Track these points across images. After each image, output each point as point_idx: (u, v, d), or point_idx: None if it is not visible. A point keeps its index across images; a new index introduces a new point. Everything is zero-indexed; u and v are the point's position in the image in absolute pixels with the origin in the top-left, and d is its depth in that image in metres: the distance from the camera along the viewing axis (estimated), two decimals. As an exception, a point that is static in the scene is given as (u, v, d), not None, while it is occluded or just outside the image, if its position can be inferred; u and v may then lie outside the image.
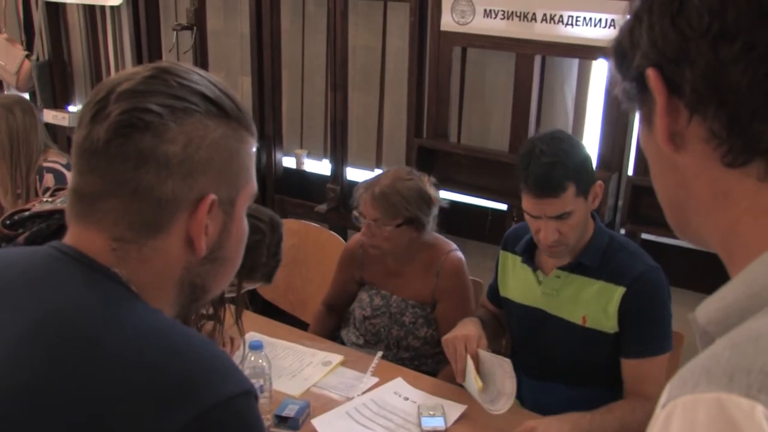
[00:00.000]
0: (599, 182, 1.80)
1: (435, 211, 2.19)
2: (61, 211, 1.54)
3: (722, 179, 0.56)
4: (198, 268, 0.82)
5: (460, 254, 2.26)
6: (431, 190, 2.18)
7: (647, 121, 0.60)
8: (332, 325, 2.46)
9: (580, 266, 1.85)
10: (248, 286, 1.94)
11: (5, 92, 4.52)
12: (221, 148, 0.80)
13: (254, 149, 0.87)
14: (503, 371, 1.71)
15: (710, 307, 0.56)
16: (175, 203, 0.77)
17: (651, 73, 0.56)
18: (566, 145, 1.75)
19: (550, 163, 1.70)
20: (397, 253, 2.19)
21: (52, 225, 2.07)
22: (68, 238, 0.80)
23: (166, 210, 0.76)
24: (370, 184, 2.16)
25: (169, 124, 0.76)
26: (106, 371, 0.68)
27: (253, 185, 0.86)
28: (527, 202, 1.77)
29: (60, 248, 0.78)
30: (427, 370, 2.23)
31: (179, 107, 0.77)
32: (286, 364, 2.05)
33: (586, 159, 1.78)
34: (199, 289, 0.83)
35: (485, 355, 1.80)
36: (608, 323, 1.82)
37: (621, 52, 0.60)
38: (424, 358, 2.28)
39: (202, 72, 0.83)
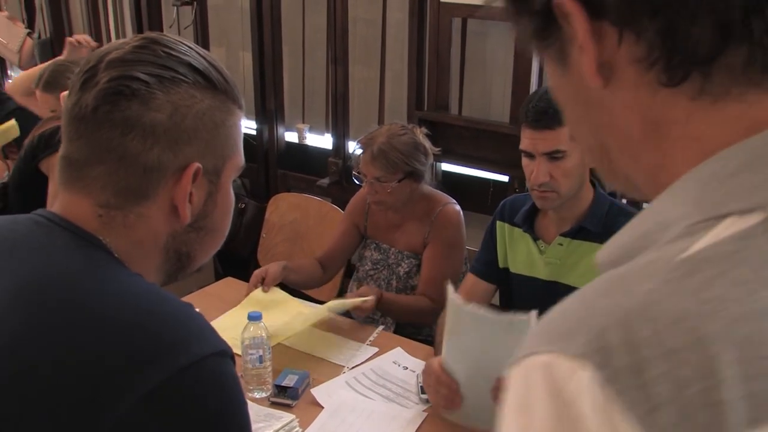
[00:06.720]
0: None
1: (431, 160, 2.24)
2: None
3: (654, 105, 0.50)
4: (183, 236, 0.83)
5: (458, 208, 2.29)
6: (425, 141, 2.23)
7: (560, 61, 0.52)
8: (317, 278, 2.38)
9: (582, 231, 1.85)
10: None
11: (8, 71, 4.53)
12: (207, 119, 0.81)
13: (241, 122, 0.88)
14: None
15: (609, 248, 0.53)
16: (161, 170, 0.78)
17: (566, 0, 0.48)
18: None
19: (551, 99, 1.72)
20: (399, 206, 2.25)
21: None
22: (56, 206, 0.81)
23: (152, 177, 0.78)
24: (366, 143, 2.19)
25: (156, 93, 0.77)
26: (84, 332, 0.69)
27: (240, 158, 0.88)
28: (524, 138, 1.79)
29: (44, 215, 0.80)
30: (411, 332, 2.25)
31: (166, 76, 0.78)
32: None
33: None
34: (185, 257, 0.85)
35: None
36: None
37: None
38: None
39: (190, 44, 0.85)
